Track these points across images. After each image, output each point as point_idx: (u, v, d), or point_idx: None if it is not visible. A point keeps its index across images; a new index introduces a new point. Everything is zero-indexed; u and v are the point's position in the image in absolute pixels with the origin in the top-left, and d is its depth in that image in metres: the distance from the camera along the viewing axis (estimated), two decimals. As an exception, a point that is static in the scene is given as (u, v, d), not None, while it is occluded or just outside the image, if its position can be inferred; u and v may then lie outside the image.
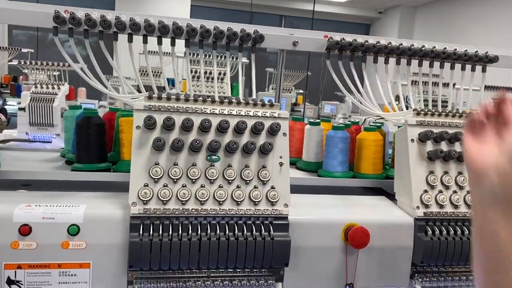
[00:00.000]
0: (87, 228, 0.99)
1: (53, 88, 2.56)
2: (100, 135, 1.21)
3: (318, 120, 1.49)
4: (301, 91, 6.45)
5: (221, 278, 1.06)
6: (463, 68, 1.39)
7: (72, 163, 1.24)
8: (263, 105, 1.12)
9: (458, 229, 1.13)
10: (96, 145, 1.19)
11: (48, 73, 4.10)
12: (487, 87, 4.40)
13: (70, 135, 1.38)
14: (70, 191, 1.13)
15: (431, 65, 1.36)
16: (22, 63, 3.99)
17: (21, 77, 5.42)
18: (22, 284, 0.97)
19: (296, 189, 1.29)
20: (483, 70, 1.39)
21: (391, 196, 1.29)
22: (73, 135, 1.30)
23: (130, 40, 1.17)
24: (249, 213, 1.05)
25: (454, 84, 1.48)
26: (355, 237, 1.07)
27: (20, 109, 2.37)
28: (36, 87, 2.65)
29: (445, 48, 1.33)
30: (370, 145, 1.34)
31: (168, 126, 1.04)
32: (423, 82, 1.41)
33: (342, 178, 1.34)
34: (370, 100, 1.33)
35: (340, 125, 1.38)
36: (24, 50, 5.43)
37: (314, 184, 1.37)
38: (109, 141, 1.30)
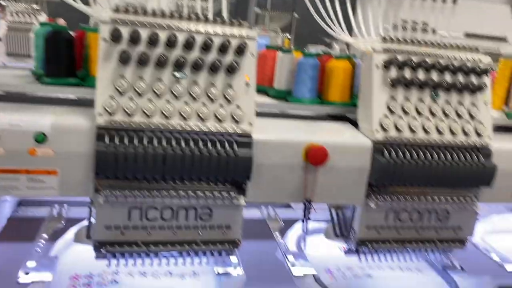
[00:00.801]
0: (54, 137, 1.02)
1: (30, 17, 2.50)
2: (69, 50, 1.21)
3: (291, 48, 1.50)
4: (289, 36, 6.33)
5: (185, 189, 1.11)
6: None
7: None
8: (231, 23, 1.13)
9: (414, 153, 1.19)
10: (65, 59, 1.20)
11: (27, 5, 3.95)
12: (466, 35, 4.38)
13: (40, 53, 1.37)
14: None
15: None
16: (-3, -10, 3.82)
17: (-3, 7, 5.21)
18: (-10, 188, 1.01)
19: (265, 116, 1.32)
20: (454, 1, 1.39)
21: (355, 124, 1.34)
22: (43, 52, 1.29)
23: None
24: (213, 130, 1.08)
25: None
26: (315, 155, 1.12)
27: (-4, 38, 2.31)
28: (12, 15, 2.57)
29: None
30: (338, 72, 1.36)
31: (134, 39, 1.04)
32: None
33: (309, 105, 1.37)
34: (341, 28, 1.34)
35: (312, 52, 1.39)
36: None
37: (282, 110, 1.40)
38: (79, 60, 1.29)
